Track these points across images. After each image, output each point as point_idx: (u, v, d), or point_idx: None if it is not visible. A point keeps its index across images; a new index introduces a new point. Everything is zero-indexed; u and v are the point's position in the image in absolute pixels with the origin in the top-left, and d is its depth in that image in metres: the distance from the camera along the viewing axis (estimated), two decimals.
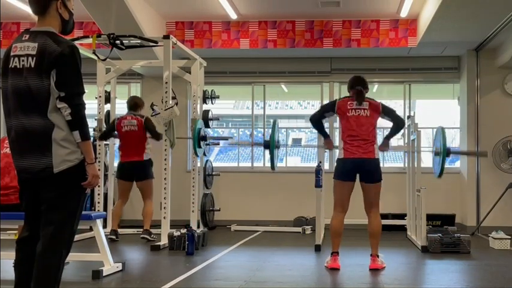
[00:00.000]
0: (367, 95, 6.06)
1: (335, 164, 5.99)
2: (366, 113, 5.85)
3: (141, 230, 7.89)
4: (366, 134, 5.78)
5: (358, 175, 5.79)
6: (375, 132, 5.86)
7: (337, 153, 6.03)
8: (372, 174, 5.77)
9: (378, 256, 5.77)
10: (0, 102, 3.32)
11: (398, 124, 6.01)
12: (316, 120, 6.08)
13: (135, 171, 7.92)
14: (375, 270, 5.65)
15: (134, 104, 8.08)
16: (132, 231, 8.57)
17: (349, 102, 5.92)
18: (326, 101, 10.48)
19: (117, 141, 8.44)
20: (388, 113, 5.98)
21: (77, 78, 3.17)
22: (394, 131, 6.04)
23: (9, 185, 5.14)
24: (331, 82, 10.46)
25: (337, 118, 6.19)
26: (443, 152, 5.81)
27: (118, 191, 8.11)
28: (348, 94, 6.19)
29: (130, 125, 7.94)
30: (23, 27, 9.36)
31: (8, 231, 7.36)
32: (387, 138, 6.09)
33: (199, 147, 8.02)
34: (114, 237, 7.64)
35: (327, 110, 6.07)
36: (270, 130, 6.34)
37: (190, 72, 8.71)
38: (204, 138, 8.24)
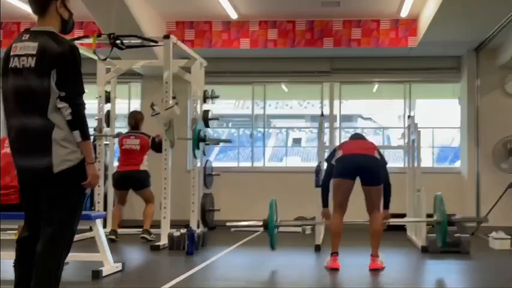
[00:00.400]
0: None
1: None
2: (366, 141, 6.09)
3: (141, 230, 7.90)
4: (365, 146, 5.91)
5: (359, 178, 5.78)
6: (374, 151, 5.88)
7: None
8: (372, 175, 5.75)
9: (377, 256, 5.76)
10: (1, 102, 3.32)
11: (385, 185, 5.92)
12: (326, 182, 6.03)
13: (132, 180, 7.96)
14: (375, 270, 5.64)
15: (135, 123, 8.20)
16: (132, 231, 8.56)
17: (350, 141, 6.13)
18: (326, 101, 10.51)
19: (117, 141, 8.45)
20: (382, 158, 5.95)
21: (77, 78, 3.17)
22: (387, 196, 5.96)
23: (9, 184, 5.14)
24: (331, 82, 10.42)
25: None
26: (444, 223, 5.85)
27: (116, 197, 8.21)
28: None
29: (132, 144, 8.04)
30: (23, 27, 9.35)
31: (8, 231, 7.35)
32: (386, 208, 6.00)
33: (198, 148, 8.01)
34: (113, 237, 7.64)
35: (330, 158, 6.01)
36: (268, 210, 6.22)
37: (190, 72, 8.70)
38: (204, 139, 8.22)
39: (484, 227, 8.71)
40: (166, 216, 7.24)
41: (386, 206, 5.95)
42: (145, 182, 7.99)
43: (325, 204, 6.10)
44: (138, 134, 8.11)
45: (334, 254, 5.78)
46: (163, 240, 7.07)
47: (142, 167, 7.97)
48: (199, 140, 8.03)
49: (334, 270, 5.67)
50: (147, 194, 8.01)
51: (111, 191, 8.93)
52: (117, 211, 8.05)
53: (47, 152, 3.11)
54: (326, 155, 9.61)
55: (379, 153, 5.94)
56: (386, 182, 5.88)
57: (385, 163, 5.96)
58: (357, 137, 6.22)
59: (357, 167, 5.73)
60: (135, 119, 8.25)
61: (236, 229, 6.95)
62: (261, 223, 6.13)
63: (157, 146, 7.80)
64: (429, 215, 7.51)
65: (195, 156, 8.31)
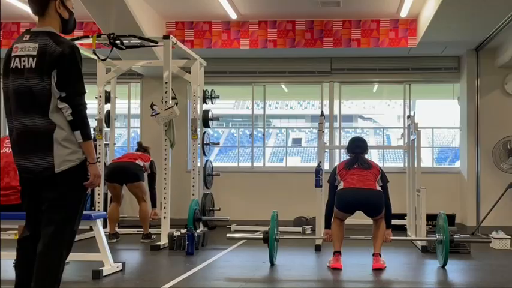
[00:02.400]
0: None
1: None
2: (367, 167, 5.92)
3: (141, 231, 7.89)
4: (367, 179, 5.81)
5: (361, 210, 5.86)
6: (375, 183, 5.83)
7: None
8: (374, 209, 5.83)
9: (380, 256, 5.79)
10: (1, 103, 3.32)
11: (387, 205, 5.94)
12: (330, 204, 5.96)
13: (126, 171, 7.84)
14: (375, 270, 5.64)
15: (143, 146, 8.44)
16: (132, 231, 8.56)
17: (351, 163, 5.99)
18: (326, 101, 10.53)
19: (116, 141, 8.46)
20: (383, 179, 5.94)
21: (77, 78, 3.18)
22: (388, 216, 5.97)
23: (9, 185, 5.14)
24: (331, 82, 10.47)
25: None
26: (446, 242, 5.85)
27: (110, 195, 8.14)
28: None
29: (134, 152, 8.24)
30: (23, 27, 9.36)
31: (8, 231, 7.36)
32: (388, 227, 6.00)
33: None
34: (114, 240, 7.61)
35: (334, 180, 6.01)
36: (270, 223, 6.18)
37: (190, 72, 8.71)
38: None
39: (484, 227, 8.71)
40: (167, 216, 7.24)
41: (388, 226, 5.98)
42: (140, 175, 7.86)
43: (327, 225, 6.09)
44: (141, 152, 8.27)
45: (337, 253, 5.80)
46: (163, 240, 7.07)
47: (137, 162, 7.91)
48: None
49: (335, 270, 5.68)
50: (140, 189, 7.85)
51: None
52: (113, 212, 7.88)
53: (48, 152, 3.11)
54: (326, 155, 9.64)
55: (382, 174, 5.92)
56: (387, 202, 5.93)
57: (386, 183, 5.98)
58: (358, 160, 5.97)
59: (358, 203, 5.79)
60: (141, 143, 8.54)
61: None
62: (261, 236, 6.12)
63: (154, 171, 8.03)
64: (429, 215, 7.52)
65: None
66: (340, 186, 5.87)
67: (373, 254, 5.80)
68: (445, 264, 5.86)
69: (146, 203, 7.91)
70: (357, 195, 5.77)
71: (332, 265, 5.74)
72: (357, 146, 6.13)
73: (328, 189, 6.06)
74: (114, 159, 8.33)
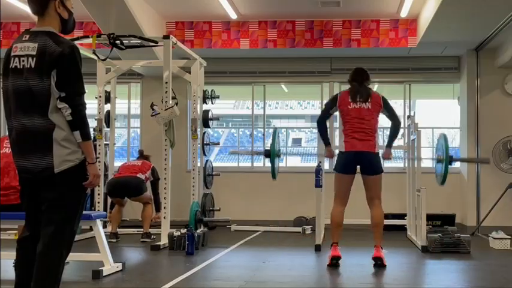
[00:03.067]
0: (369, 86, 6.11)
1: (336, 158, 6.08)
2: (367, 106, 5.89)
3: (141, 231, 7.89)
4: (367, 126, 5.83)
5: (358, 167, 5.87)
6: (376, 126, 5.90)
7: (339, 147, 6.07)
8: (371, 167, 5.86)
9: (381, 246, 5.81)
10: (1, 103, 3.32)
11: (396, 125, 6.05)
12: (321, 122, 6.08)
13: (128, 186, 7.80)
14: (375, 270, 5.65)
15: (144, 154, 8.43)
16: (133, 231, 8.56)
17: (350, 96, 5.97)
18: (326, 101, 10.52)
19: (116, 141, 8.46)
20: (388, 109, 6.01)
21: (77, 78, 3.17)
22: (392, 135, 6.07)
23: (9, 185, 5.14)
24: (331, 82, 10.46)
25: (338, 113, 6.21)
26: (446, 160, 5.83)
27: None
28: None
29: (134, 162, 8.18)
30: (23, 27, 9.35)
31: (8, 231, 7.36)
32: (389, 146, 6.10)
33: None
34: (114, 240, 7.62)
35: (330, 107, 6.09)
36: (271, 138, 6.32)
37: (190, 72, 8.71)
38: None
39: (484, 227, 8.71)
40: (167, 216, 7.24)
41: (388, 145, 6.08)
42: (142, 188, 7.83)
43: (326, 142, 6.16)
44: (142, 159, 8.25)
45: (335, 244, 5.83)
46: (163, 240, 7.07)
47: (139, 176, 7.86)
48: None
49: (334, 267, 5.69)
50: (144, 198, 7.90)
51: None
52: (116, 213, 7.93)
53: (48, 152, 3.11)
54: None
55: (384, 104, 5.93)
56: (396, 123, 6.02)
57: (392, 109, 6.03)
58: (358, 92, 5.95)
59: (357, 161, 5.84)
60: (142, 152, 8.52)
61: (236, 229, 6.97)
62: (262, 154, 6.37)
63: (156, 176, 8.01)
64: (429, 215, 7.52)
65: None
66: (342, 148, 5.86)
67: (375, 246, 5.83)
68: (443, 182, 5.86)
69: (151, 204, 7.95)
70: (357, 157, 5.80)
71: (331, 254, 5.77)
72: (356, 73, 6.14)
73: (322, 111, 6.11)
74: (115, 173, 8.24)
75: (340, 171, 5.91)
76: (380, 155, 5.97)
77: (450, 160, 5.91)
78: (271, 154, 6.14)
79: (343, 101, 5.94)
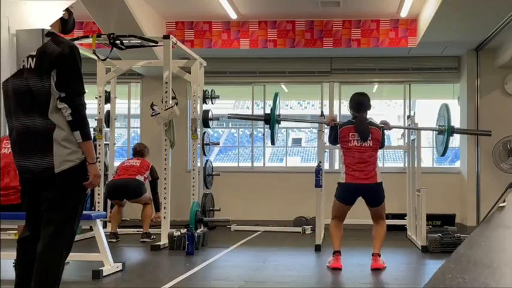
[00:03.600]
0: (369, 114, 6.05)
1: (336, 185, 5.94)
2: (368, 144, 5.84)
3: (141, 231, 7.89)
4: (368, 159, 5.79)
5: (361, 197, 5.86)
6: (376, 157, 5.86)
7: (340, 176, 5.98)
8: (374, 199, 5.84)
9: (379, 256, 5.78)
10: (1, 103, 3.32)
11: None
12: (333, 141, 6.07)
13: (127, 188, 7.80)
14: (375, 270, 5.64)
15: (140, 151, 8.28)
16: (133, 231, 8.56)
17: (351, 134, 5.89)
18: (326, 101, 10.53)
19: (116, 141, 8.45)
20: (382, 140, 5.98)
21: (77, 78, 3.18)
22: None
23: (9, 185, 5.14)
24: (331, 82, 10.47)
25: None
26: (448, 130, 5.71)
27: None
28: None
29: (133, 162, 8.10)
30: None
31: (8, 231, 7.36)
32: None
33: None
34: (114, 240, 7.62)
35: (334, 138, 6.02)
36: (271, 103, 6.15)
37: (190, 72, 8.71)
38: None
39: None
40: (167, 216, 7.24)
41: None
42: (141, 189, 7.83)
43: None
44: (140, 158, 8.20)
45: (337, 253, 5.80)
46: (163, 240, 7.08)
47: (138, 178, 7.86)
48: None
49: (335, 270, 5.68)
50: (144, 200, 7.90)
51: None
52: (116, 213, 7.93)
53: (48, 152, 3.11)
54: (326, 155, 9.64)
55: (382, 138, 5.90)
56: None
57: (383, 143, 6.01)
58: (359, 129, 5.87)
59: (358, 193, 5.81)
60: (139, 147, 8.40)
61: (236, 229, 6.95)
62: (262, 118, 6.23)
63: (155, 176, 7.96)
64: (429, 215, 7.53)
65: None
66: (343, 179, 5.84)
67: (373, 254, 5.80)
68: (444, 153, 5.78)
69: (150, 205, 7.95)
70: (359, 189, 5.77)
71: (332, 265, 5.75)
72: (359, 104, 5.96)
73: (329, 138, 6.09)
74: (114, 175, 8.24)
75: (340, 201, 5.86)
76: (382, 178, 5.92)
77: (452, 131, 5.78)
78: (272, 119, 5.99)
79: (344, 138, 5.91)
